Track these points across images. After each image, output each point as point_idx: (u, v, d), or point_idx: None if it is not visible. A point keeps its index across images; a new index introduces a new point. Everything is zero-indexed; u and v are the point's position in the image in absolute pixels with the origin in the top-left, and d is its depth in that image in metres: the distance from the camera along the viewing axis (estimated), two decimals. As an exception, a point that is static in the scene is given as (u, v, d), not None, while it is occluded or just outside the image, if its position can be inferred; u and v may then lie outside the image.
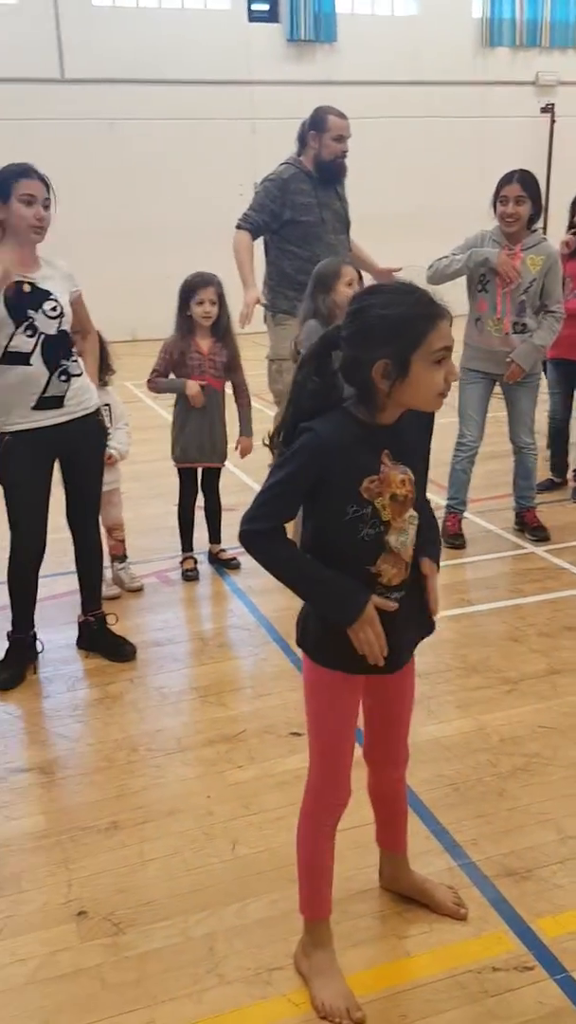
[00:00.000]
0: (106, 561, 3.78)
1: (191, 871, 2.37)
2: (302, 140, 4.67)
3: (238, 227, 4.66)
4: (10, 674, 3.35)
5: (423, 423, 1.84)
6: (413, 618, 1.88)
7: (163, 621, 3.83)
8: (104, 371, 3.89)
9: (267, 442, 1.80)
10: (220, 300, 4.04)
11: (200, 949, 2.12)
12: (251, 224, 4.64)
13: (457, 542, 4.49)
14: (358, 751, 1.99)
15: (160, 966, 2.08)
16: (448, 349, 1.67)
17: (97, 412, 3.39)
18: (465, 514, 4.62)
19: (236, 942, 2.13)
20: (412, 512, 1.79)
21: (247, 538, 1.77)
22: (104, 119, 12.55)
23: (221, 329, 4.09)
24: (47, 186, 3.10)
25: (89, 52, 12.26)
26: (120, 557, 4.17)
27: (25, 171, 3.07)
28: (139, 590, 4.12)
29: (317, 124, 4.56)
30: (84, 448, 3.35)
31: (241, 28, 13.03)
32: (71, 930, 2.19)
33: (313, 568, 1.77)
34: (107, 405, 3.88)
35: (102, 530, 3.79)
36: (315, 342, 1.75)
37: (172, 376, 4.15)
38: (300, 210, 4.59)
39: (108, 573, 3.98)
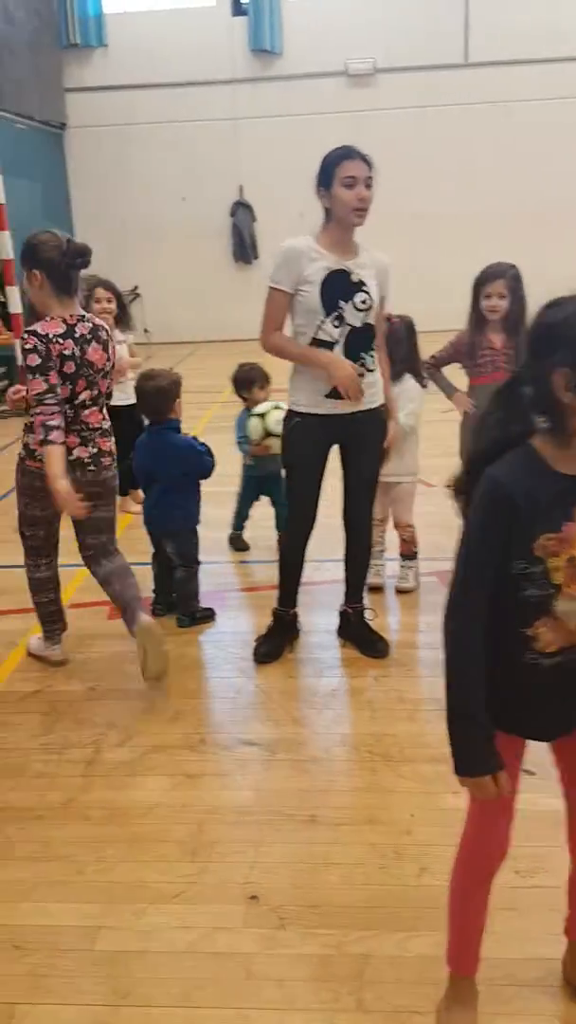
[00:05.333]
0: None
1: (369, 886, 2.31)
2: None
3: None
4: (268, 649, 3.49)
5: None
6: None
7: (427, 623, 3.72)
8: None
9: (448, 485, 1.64)
10: (512, 293, 3.73)
11: (350, 968, 2.06)
12: None
13: None
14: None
15: (306, 973, 2.06)
16: None
17: (382, 407, 3.35)
18: None
19: (387, 972, 2.05)
20: None
21: (447, 637, 1.65)
22: (501, 101, 12.32)
23: (513, 323, 3.75)
24: (369, 165, 3.05)
25: (493, 33, 12.06)
26: (410, 555, 4.11)
27: (348, 153, 3.04)
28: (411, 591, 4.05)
29: None
30: (364, 440, 3.32)
31: None
32: (238, 911, 2.25)
33: (477, 706, 1.60)
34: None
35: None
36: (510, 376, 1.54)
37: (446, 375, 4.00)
38: None
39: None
